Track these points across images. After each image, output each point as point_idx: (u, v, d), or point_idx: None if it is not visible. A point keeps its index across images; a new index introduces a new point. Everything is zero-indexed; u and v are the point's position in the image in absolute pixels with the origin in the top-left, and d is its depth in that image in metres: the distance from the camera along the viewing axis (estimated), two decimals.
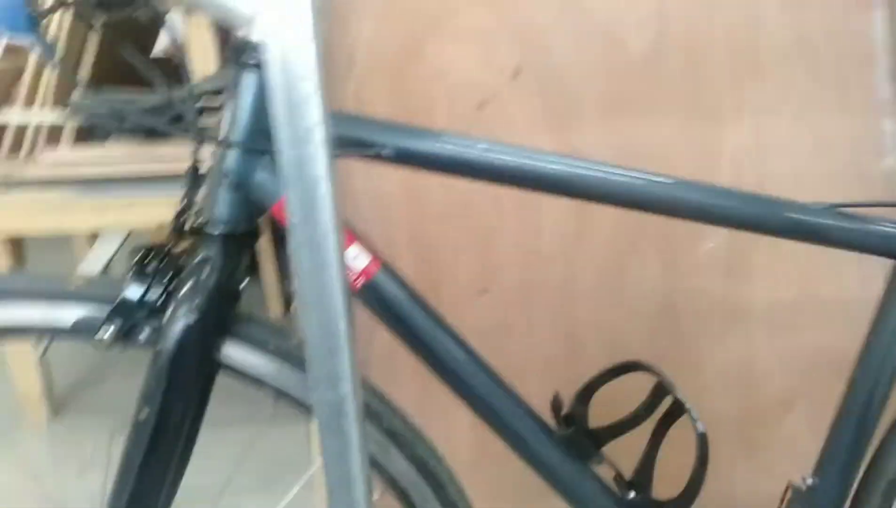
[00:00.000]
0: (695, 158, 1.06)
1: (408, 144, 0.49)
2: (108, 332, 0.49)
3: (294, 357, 0.53)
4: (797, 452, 1.13)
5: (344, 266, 0.41)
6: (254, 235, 0.51)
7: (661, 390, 0.54)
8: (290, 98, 0.37)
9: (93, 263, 1.50)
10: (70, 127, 1.35)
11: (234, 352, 0.53)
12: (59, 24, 1.37)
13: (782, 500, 0.60)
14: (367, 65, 1.02)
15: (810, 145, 1.09)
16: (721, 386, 1.09)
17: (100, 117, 1.24)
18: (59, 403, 1.53)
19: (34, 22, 0.43)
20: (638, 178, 0.52)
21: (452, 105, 1.04)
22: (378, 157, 0.48)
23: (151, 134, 1.34)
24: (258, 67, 0.47)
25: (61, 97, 1.38)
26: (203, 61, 1.48)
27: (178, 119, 0.48)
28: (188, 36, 1.41)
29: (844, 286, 1.12)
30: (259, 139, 0.48)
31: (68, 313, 0.50)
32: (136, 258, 0.49)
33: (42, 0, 0.46)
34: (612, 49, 1.04)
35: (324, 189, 0.39)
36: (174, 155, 1.29)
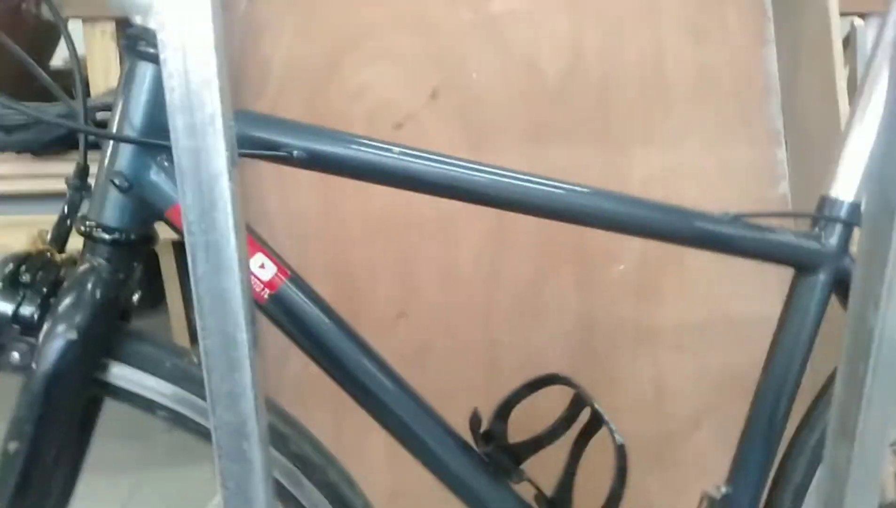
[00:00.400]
0: (607, 182, 1.08)
1: (320, 146, 0.46)
2: None
3: (191, 379, 0.48)
4: (707, 466, 1.16)
5: (246, 272, 0.37)
6: (147, 242, 0.47)
7: (578, 402, 0.53)
8: (187, 84, 0.34)
9: None
10: None
11: (122, 373, 0.47)
12: None
13: None
14: (282, 82, 1.00)
15: (714, 172, 1.15)
16: (633, 405, 1.11)
17: None
18: None
19: None
20: (555, 187, 0.51)
21: (370, 125, 1.02)
22: (288, 159, 0.45)
23: (41, 150, 1.24)
24: (155, 57, 0.43)
25: None
26: (104, 73, 1.40)
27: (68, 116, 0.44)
28: (90, 46, 1.33)
29: (748, 306, 1.17)
30: (154, 135, 0.44)
31: None
32: (7, 270, 0.44)
33: None
34: (529, 75, 1.06)
35: (223, 185, 0.35)
36: (66, 171, 1.20)
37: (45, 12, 1.54)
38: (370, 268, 1.01)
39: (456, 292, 1.06)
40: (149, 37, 0.43)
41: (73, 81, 0.48)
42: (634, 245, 1.09)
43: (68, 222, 0.48)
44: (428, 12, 1.04)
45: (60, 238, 0.47)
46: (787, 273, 1.18)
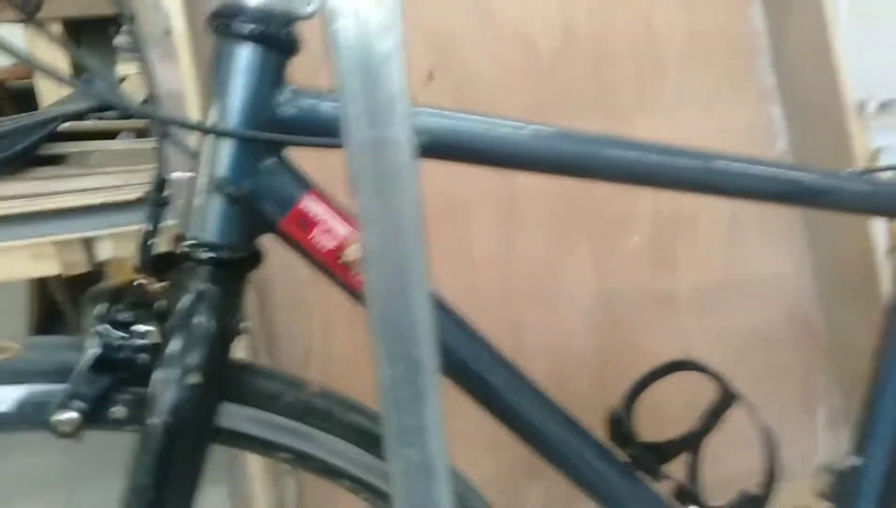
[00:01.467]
0: None
1: (444, 131, 0.40)
2: (67, 415, 0.35)
3: (315, 413, 0.42)
4: (738, 429, 1.18)
5: (428, 284, 0.31)
6: (256, 259, 0.40)
7: (726, 392, 0.49)
8: (364, 60, 0.27)
9: None
10: None
11: (238, 414, 0.40)
12: None
13: (830, 487, 0.58)
14: None
15: (714, 135, 1.15)
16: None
17: None
18: None
19: None
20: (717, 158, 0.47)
21: None
22: None
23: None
24: (255, 35, 0.36)
25: None
26: (52, 80, 1.26)
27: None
28: (34, 51, 1.20)
29: (760, 264, 1.19)
30: (258, 130, 0.37)
31: (5, 395, 0.35)
32: (100, 311, 0.36)
33: None
34: (524, 52, 1.04)
35: (408, 185, 0.29)
36: (28, 191, 1.07)
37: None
38: None
39: (471, 276, 1.03)
40: (246, 13, 0.36)
41: (146, 80, 0.40)
42: (646, 214, 1.08)
43: (153, 242, 0.40)
44: None
45: (146, 264, 0.39)
46: (795, 233, 1.20)
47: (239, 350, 0.94)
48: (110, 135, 1.15)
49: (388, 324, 0.31)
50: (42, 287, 1.68)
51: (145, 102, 1.23)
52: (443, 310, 0.44)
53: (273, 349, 0.98)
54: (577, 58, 1.03)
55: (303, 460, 0.42)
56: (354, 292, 0.40)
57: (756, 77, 1.15)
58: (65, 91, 1.27)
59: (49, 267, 1.05)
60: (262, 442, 0.41)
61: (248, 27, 0.36)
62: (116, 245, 1.07)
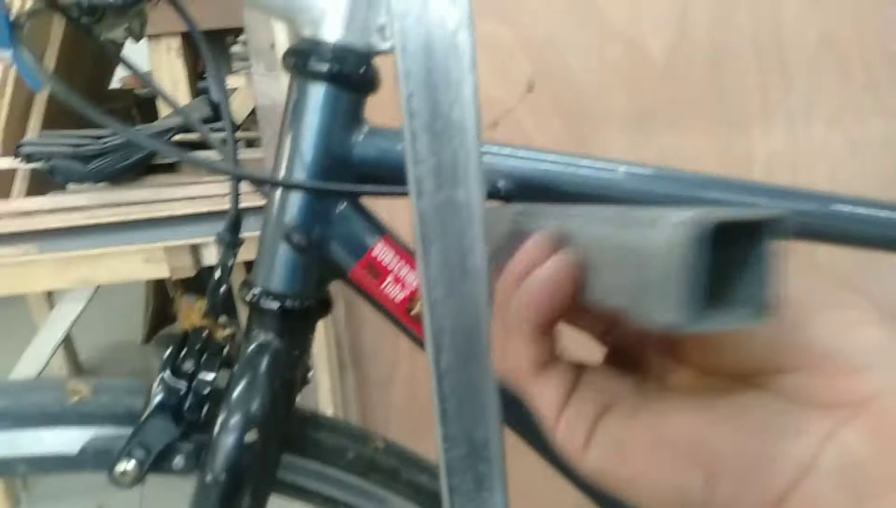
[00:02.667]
0: (726, 167, 0.99)
1: (525, 174, 0.37)
2: (129, 464, 0.34)
3: (378, 469, 0.39)
4: None
5: (492, 364, 0.28)
6: (324, 308, 0.38)
7: None
8: (433, 111, 0.24)
9: (55, 326, 1.31)
10: (23, 175, 1.18)
11: (300, 466, 0.39)
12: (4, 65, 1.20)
13: None
14: None
15: (844, 149, 1.03)
16: None
17: (61, 159, 1.08)
18: (18, 494, 1.34)
19: (12, 30, 0.29)
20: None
21: None
22: (494, 194, 0.35)
23: (116, 177, 1.18)
24: (330, 75, 0.34)
25: (10, 141, 1.21)
26: (172, 90, 1.33)
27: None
28: (156, 63, 1.26)
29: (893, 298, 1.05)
30: (335, 176, 0.35)
31: (70, 437, 0.35)
32: (168, 354, 0.35)
33: (20, 5, 0.32)
34: (631, 56, 0.96)
35: (476, 251, 0.26)
36: (143, 198, 1.14)
37: (109, 32, 1.47)
38: None
39: None
40: (322, 51, 0.34)
41: (222, 116, 0.39)
42: None
43: (222, 287, 0.39)
44: None
45: (217, 308, 0.38)
46: None
47: (326, 364, 0.94)
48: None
49: (450, 402, 0.28)
50: (159, 287, 1.79)
51: (251, 114, 1.26)
52: None
53: (359, 364, 0.98)
54: (691, 62, 0.95)
55: None
56: (424, 345, 0.37)
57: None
58: (182, 101, 1.34)
59: (159, 270, 1.11)
60: (322, 497, 0.39)
61: (323, 66, 0.34)
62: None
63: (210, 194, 1.10)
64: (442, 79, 0.24)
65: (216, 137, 0.42)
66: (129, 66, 0.46)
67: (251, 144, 1.25)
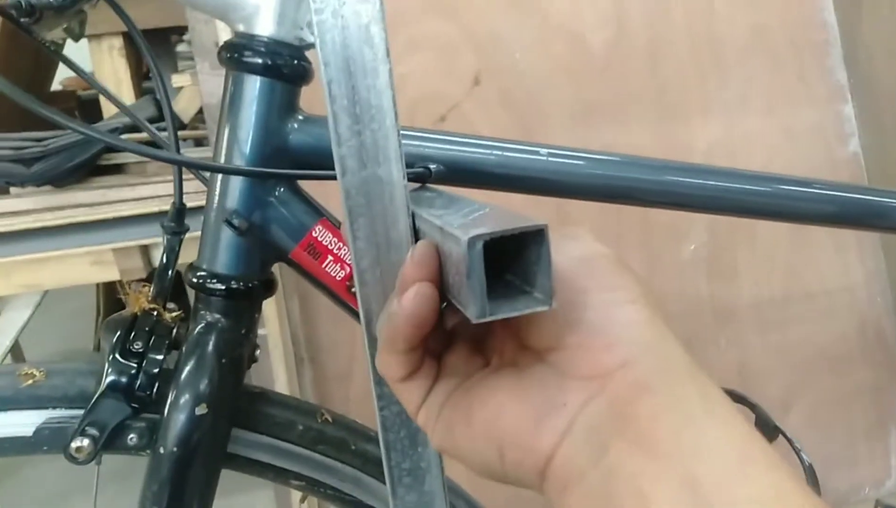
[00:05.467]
0: (668, 157, 1.03)
1: (459, 157, 0.39)
2: (83, 442, 0.36)
3: (327, 441, 0.42)
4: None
5: None
6: (268, 288, 0.40)
7: (764, 424, 0.46)
8: (353, 96, 0.27)
9: (1, 334, 1.29)
10: None
11: (250, 441, 0.41)
12: None
13: None
14: (314, 82, 0.93)
15: (780, 137, 1.09)
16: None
17: (2, 163, 1.06)
18: None
19: None
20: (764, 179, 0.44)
21: (412, 119, 0.95)
22: (425, 177, 0.38)
23: (61, 180, 1.17)
24: (264, 68, 0.36)
25: None
26: (116, 90, 1.32)
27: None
28: (98, 63, 1.25)
29: (828, 278, 1.11)
30: (267, 162, 0.37)
31: (25, 419, 0.37)
32: (117, 337, 0.37)
33: None
34: (574, 49, 1.00)
35: (402, 222, 0.28)
36: (89, 200, 1.13)
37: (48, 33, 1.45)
38: None
39: None
40: (255, 45, 0.36)
41: (163, 110, 0.41)
42: (701, 222, 1.03)
43: (169, 271, 0.40)
44: None
45: (165, 292, 0.40)
46: (867, 242, 1.12)
47: (283, 358, 0.95)
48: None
49: None
50: (110, 292, 1.76)
51: (199, 113, 1.26)
52: None
53: (317, 358, 0.99)
54: (631, 55, 0.99)
55: (314, 487, 0.42)
56: None
57: (825, 74, 1.08)
58: (126, 101, 1.33)
59: (108, 273, 1.10)
60: (274, 469, 0.41)
61: (257, 59, 0.36)
62: None
63: (158, 194, 1.10)
64: (359, 67, 0.27)
65: (162, 134, 0.43)
66: (70, 65, 0.47)
67: (199, 142, 1.25)
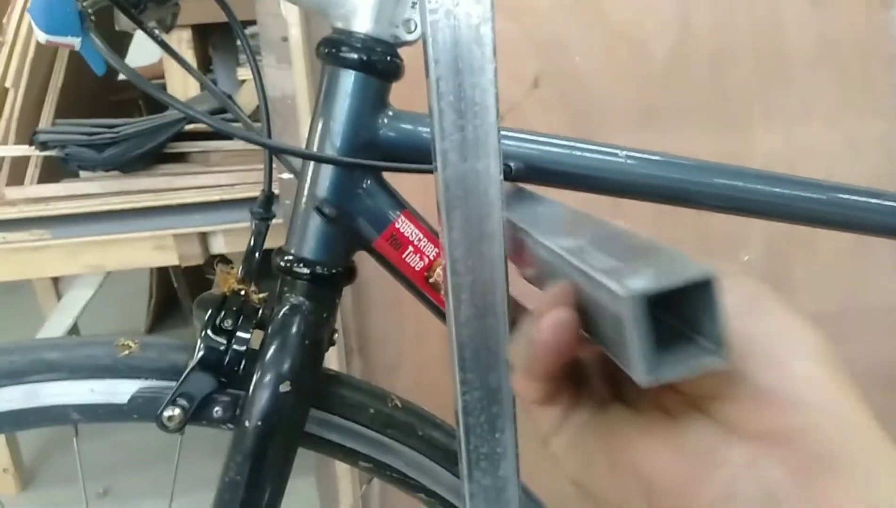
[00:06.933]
0: None
1: (538, 155, 0.40)
2: (174, 411, 0.38)
3: (396, 425, 0.43)
4: None
5: (507, 316, 0.31)
6: (349, 275, 0.41)
7: None
8: (459, 93, 0.28)
9: (64, 312, 1.34)
10: (36, 162, 1.21)
11: (325, 421, 0.42)
12: (22, 52, 1.23)
13: None
14: None
15: (842, 149, 1.07)
16: None
17: (76, 148, 1.11)
18: (28, 475, 1.37)
19: (83, 20, 0.32)
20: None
21: None
22: (506, 174, 0.39)
23: (128, 166, 1.21)
24: (359, 63, 0.38)
25: (24, 129, 1.24)
26: (182, 81, 1.36)
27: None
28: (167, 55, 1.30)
29: (888, 293, 1.08)
30: (359, 153, 0.38)
31: (120, 388, 0.39)
32: (208, 314, 0.39)
33: None
34: (634, 56, 0.99)
35: (496, 216, 0.30)
36: (154, 187, 1.17)
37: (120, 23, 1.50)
38: None
39: None
40: (352, 41, 0.37)
41: (260, 101, 0.43)
42: (759, 231, 1.02)
43: (256, 254, 0.42)
44: None
45: (252, 274, 0.42)
46: None
47: (334, 349, 0.98)
48: (230, 136, 1.23)
49: (467, 350, 0.31)
50: (163, 275, 1.82)
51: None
52: None
53: (366, 349, 1.01)
54: (692, 61, 0.98)
55: (381, 469, 0.43)
56: (441, 312, 0.41)
57: (893, 87, 1.06)
58: (191, 92, 1.37)
59: (168, 258, 1.14)
60: (344, 450, 0.43)
61: (353, 55, 0.37)
62: (228, 240, 1.14)
63: (220, 183, 1.13)
64: (466, 66, 0.28)
65: (238, 126, 0.45)
66: (173, 53, 0.49)
67: None
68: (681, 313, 0.21)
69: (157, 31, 0.51)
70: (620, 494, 0.24)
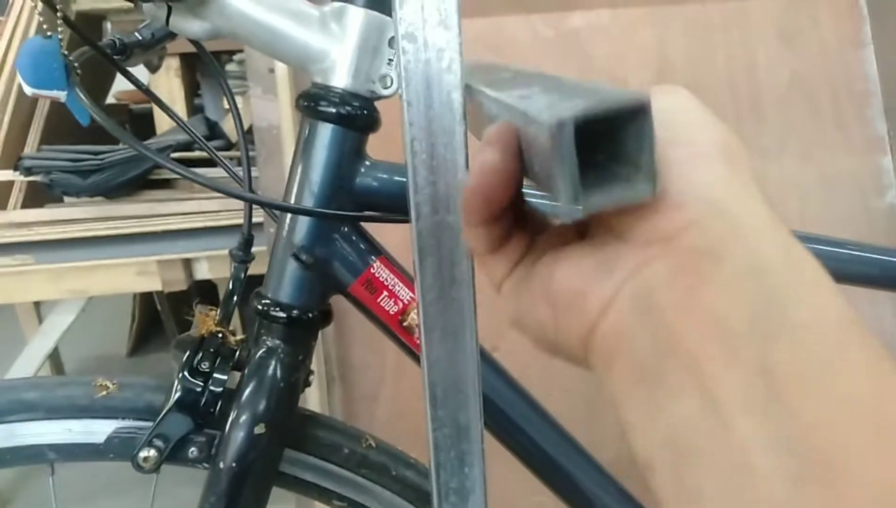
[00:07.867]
0: None
1: None
2: (150, 452, 0.39)
3: (370, 465, 0.44)
4: None
5: (478, 356, 0.33)
6: (325, 319, 0.42)
7: None
8: (431, 151, 0.29)
9: (45, 336, 1.34)
10: (20, 187, 1.21)
11: (299, 461, 0.43)
12: (9, 78, 1.24)
13: None
14: None
15: (815, 184, 1.09)
16: None
17: (60, 173, 1.11)
18: (3, 500, 1.35)
19: (68, 74, 0.34)
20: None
21: None
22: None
23: (112, 192, 1.22)
24: (336, 117, 0.39)
25: (9, 154, 1.25)
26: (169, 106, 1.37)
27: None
28: (155, 82, 1.31)
29: (884, 325, 1.10)
30: (335, 203, 0.40)
31: (97, 428, 0.40)
32: (186, 356, 0.39)
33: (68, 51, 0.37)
34: None
35: (464, 265, 0.31)
36: (138, 213, 1.17)
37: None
38: None
39: None
40: (330, 96, 0.39)
41: (240, 147, 0.44)
42: None
43: (234, 297, 0.43)
44: (505, 31, 1.00)
45: (229, 316, 0.43)
46: None
47: (316, 377, 0.98)
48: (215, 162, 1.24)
49: (439, 389, 0.33)
50: (146, 298, 1.81)
51: (247, 133, 1.30)
52: (490, 366, 0.45)
53: (347, 377, 1.02)
54: None
55: None
56: (413, 353, 0.42)
57: (865, 124, 1.09)
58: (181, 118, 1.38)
59: (152, 283, 1.14)
60: (319, 489, 0.44)
61: (331, 109, 0.39)
62: (212, 266, 1.15)
63: (204, 210, 1.14)
64: (438, 127, 0.29)
65: (223, 155, 0.46)
66: (157, 101, 0.50)
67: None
68: (616, 154, 0.20)
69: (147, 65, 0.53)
70: (536, 320, 0.23)
